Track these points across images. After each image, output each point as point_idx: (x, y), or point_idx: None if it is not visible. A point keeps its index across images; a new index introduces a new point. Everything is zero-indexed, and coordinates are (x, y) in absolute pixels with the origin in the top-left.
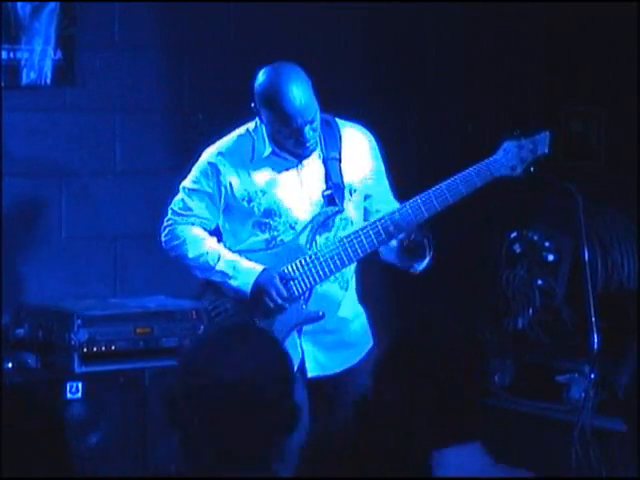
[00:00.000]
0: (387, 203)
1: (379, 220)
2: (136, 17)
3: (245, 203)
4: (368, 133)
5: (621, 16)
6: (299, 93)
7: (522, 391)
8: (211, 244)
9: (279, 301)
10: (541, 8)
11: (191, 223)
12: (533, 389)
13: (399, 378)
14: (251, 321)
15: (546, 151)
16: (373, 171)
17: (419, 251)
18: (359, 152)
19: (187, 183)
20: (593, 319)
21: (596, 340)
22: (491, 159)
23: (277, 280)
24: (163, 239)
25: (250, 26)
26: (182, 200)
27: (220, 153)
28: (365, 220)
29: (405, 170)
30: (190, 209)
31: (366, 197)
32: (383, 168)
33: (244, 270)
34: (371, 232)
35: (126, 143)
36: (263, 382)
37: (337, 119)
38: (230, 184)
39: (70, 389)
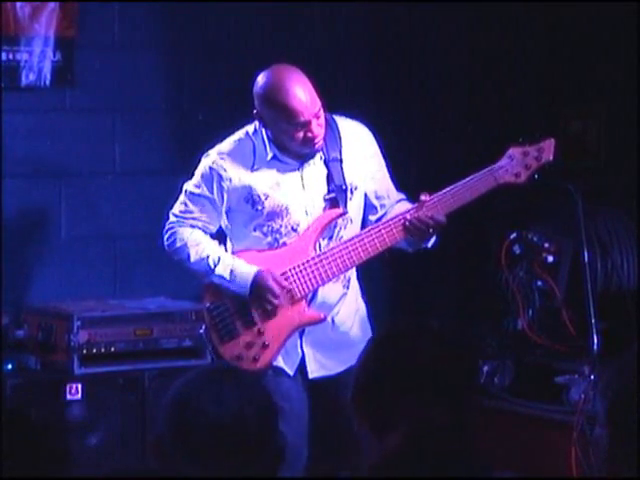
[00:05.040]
0: (390, 196)
1: (384, 225)
2: (135, 17)
3: (248, 206)
4: (364, 127)
5: (621, 16)
6: (303, 87)
7: (522, 392)
8: (212, 247)
9: (273, 301)
10: (541, 9)
11: (192, 226)
12: (533, 390)
13: (380, 383)
14: (253, 323)
15: (550, 158)
16: (374, 165)
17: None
18: (359, 148)
19: (189, 186)
20: (593, 320)
21: (596, 341)
22: (495, 166)
23: (271, 282)
24: (165, 242)
25: (249, 26)
26: (184, 203)
27: (221, 157)
28: (366, 215)
29: (406, 169)
30: (191, 212)
31: (368, 192)
32: (383, 160)
33: (240, 274)
34: (375, 237)
35: (125, 144)
36: (249, 417)
37: (334, 116)
38: (232, 188)
39: (70, 390)
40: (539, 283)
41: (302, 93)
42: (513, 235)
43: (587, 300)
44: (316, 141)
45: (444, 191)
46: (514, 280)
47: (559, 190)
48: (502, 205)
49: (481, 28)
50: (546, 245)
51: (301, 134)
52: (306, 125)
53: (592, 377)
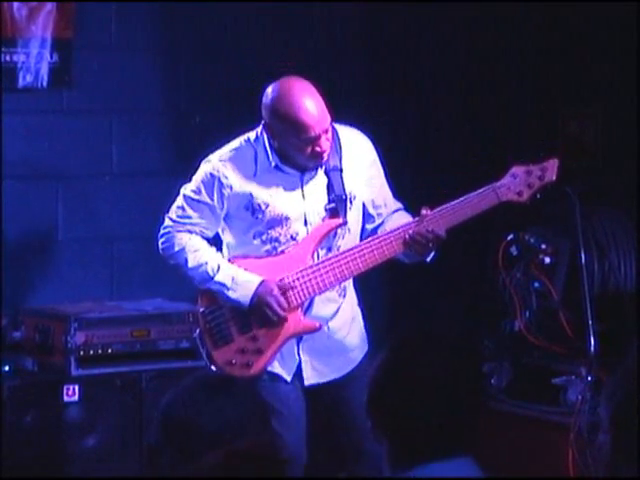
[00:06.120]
0: (387, 205)
1: (384, 237)
2: (133, 19)
3: (248, 214)
4: (364, 135)
5: (618, 16)
6: (314, 102)
7: (519, 393)
8: (210, 254)
9: (280, 312)
10: (538, 9)
11: (189, 231)
12: (530, 391)
13: (395, 391)
14: (248, 329)
15: (554, 178)
16: (372, 174)
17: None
18: (358, 157)
19: (187, 191)
20: (590, 321)
21: (593, 342)
22: (498, 183)
23: (277, 291)
24: (161, 246)
25: (247, 27)
26: (182, 208)
27: (222, 164)
28: (363, 224)
29: (401, 170)
30: (189, 217)
31: (365, 201)
32: (382, 169)
33: (242, 282)
34: (374, 248)
35: (123, 145)
36: (244, 430)
37: (334, 124)
38: (232, 195)
39: (67, 392)
40: (536, 284)
41: (314, 108)
42: (510, 236)
43: (584, 301)
44: (323, 155)
45: (445, 206)
46: (511, 281)
47: (556, 192)
48: (499, 207)
49: (478, 28)
50: (543, 246)
51: (309, 149)
52: (315, 140)
53: (589, 378)
